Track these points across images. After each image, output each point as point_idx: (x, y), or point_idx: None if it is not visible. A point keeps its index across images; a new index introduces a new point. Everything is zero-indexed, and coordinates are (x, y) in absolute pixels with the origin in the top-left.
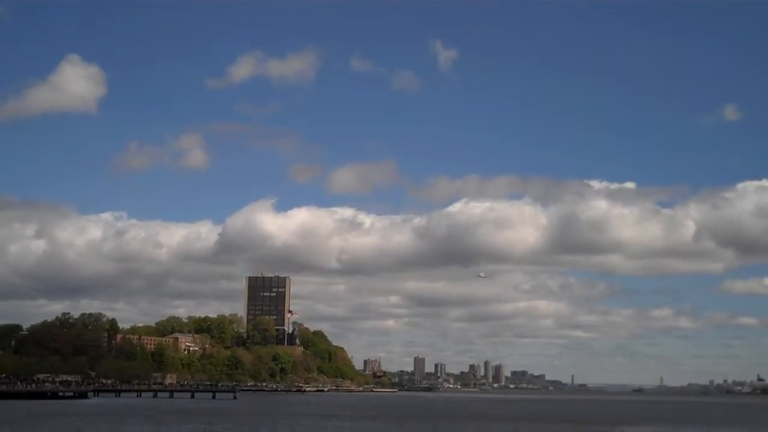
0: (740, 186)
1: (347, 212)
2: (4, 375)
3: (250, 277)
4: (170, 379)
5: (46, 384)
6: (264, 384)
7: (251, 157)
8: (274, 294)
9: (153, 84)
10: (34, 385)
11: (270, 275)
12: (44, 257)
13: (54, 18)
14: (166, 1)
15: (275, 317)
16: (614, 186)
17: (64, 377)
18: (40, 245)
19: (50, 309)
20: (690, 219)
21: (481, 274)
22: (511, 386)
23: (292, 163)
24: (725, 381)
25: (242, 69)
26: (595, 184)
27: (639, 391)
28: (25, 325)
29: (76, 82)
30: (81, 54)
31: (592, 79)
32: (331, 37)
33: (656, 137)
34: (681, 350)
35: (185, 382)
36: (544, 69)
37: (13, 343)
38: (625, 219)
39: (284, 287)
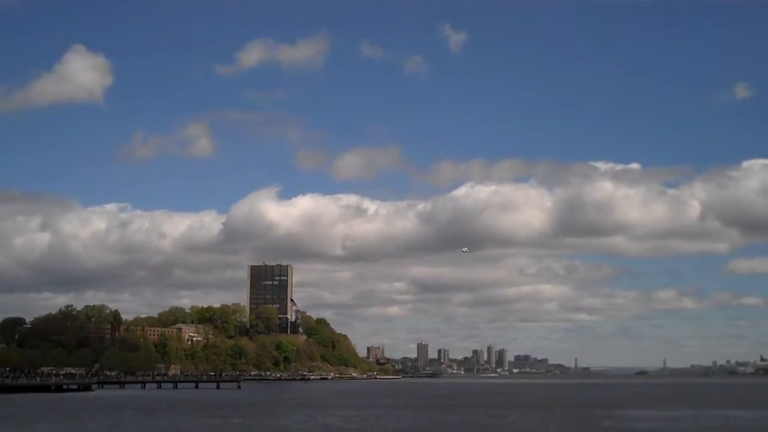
0: (746, 164)
1: (351, 199)
2: (8, 369)
3: (252, 266)
4: (174, 370)
5: (51, 377)
6: (268, 373)
7: (257, 145)
8: (276, 282)
9: (160, 72)
10: (38, 379)
11: (272, 264)
12: (49, 250)
13: (58, 8)
14: None
15: (278, 306)
16: (619, 167)
17: (68, 370)
18: (44, 238)
19: (55, 301)
20: (695, 199)
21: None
22: (515, 371)
23: (298, 150)
24: (728, 362)
25: (252, 55)
26: (601, 165)
27: (642, 373)
28: (30, 318)
29: (82, 73)
30: (86, 44)
31: (598, 62)
32: (341, 23)
33: (661, 118)
34: (685, 331)
35: (189, 373)
36: (549, 51)
37: (16, 336)
38: (630, 200)
39: (287, 275)
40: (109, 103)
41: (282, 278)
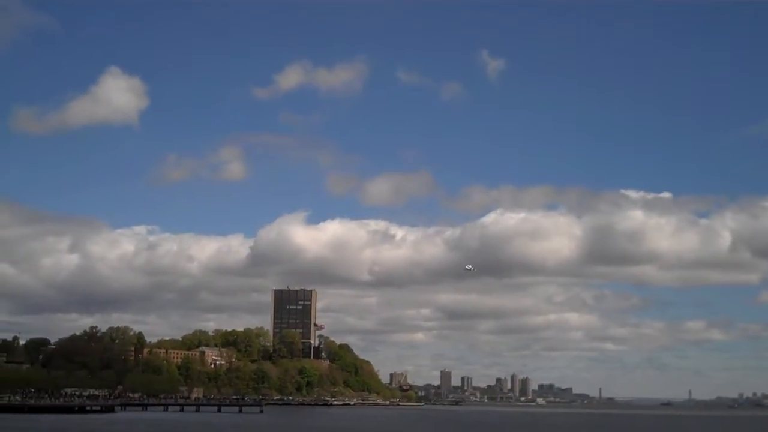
0: None
1: (380, 224)
2: (32, 389)
3: (276, 291)
4: (197, 393)
5: (74, 398)
6: (290, 398)
7: (289, 169)
8: (300, 307)
9: (197, 95)
10: (62, 399)
11: (296, 288)
12: (77, 271)
13: (95, 30)
14: (214, 11)
15: (301, 330)
16: (651, 196)
17: (92, 391)
18: (73, 259)
19: (82, 323)
20: (726, 229)
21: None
22: (539, 400)
23: (329, 174)
24: (754, 394)
25: (290, 78)
26: (632, 194)
27: (667, 404)
28: (55, 339)
29: (118, 95)
30: (122, 66)
31: (631, 91)
32: (380, 48)
33: (694, 147)
34: (712, 363)
35: (212, 396)
36: (583, 80)
37: (41, 357)
38: (661, 229)
39: (310, 300)
40: (144, 125)
41: (306, 303)
